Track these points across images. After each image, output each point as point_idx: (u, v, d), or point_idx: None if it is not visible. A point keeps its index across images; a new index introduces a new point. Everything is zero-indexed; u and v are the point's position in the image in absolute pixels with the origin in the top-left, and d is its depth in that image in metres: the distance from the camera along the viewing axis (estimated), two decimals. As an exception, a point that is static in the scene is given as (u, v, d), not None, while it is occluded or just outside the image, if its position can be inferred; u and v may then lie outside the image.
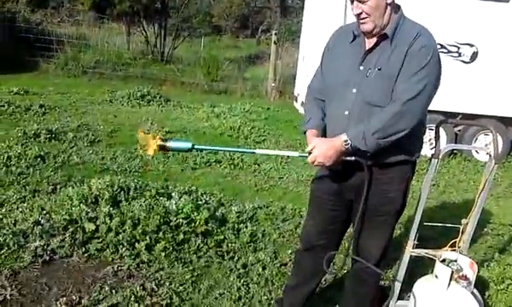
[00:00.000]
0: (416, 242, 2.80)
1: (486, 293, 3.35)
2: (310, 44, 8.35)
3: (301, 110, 8.24)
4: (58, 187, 4.57)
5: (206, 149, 3.02)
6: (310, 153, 2.32)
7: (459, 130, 7.48)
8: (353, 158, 2.30)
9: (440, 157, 2.68)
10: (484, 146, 7.25)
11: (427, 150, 7.34)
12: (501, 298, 3.35)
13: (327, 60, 2.58)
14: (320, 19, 7.72)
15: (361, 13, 2.27)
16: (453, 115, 7.26)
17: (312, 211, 2.76)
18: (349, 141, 2.26)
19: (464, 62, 7.00)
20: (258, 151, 2.74)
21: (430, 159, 2.69)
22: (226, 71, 12.81)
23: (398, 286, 2.90)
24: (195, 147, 2.44)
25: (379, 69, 2.28)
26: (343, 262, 2.77)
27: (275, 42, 11.63)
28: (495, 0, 6.81)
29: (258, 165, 6.04)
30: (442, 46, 6.82)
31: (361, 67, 2.34)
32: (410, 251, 2.82)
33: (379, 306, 2.76)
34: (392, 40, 2.28)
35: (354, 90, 2.34)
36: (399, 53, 2.24)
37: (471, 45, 6.94)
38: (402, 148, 2.37)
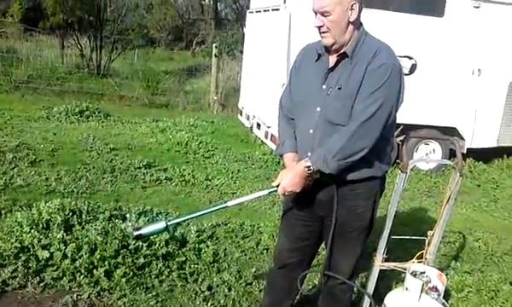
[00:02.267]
0: (384, 256, 2.85)
1: (448, 302, 3.46)
2: (253, 61, 8.39)
3: (247, 123, 8.25)
4: (3, 212, 4.30)
5: (181, 221, 2.99)
6: (278, 185, 2.37)
7: (401, 141, 7.75)
8: (319, 175, 2.34)
9: (408, 171, 2.74)
10: (425, 155, 7.55)
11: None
12: (462, 305, 3.47)
13: (294, 78, 2.60)
14: (263, 36, 7.77)
15: (322, 26, 2.31)
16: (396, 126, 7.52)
17: (284, 228, 2.76)
18: (311, 167, 2.30)
19: (404, 74, 7.26)
20: (229, 203, 2.68)
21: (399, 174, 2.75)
22: (166, 84, 12.61)
23: (367, 300, 2.93)
24: (169, 223, 2.49)
25: (339, 88, 2.31)
26: (320, 279, 2.77)
27: (215, 54, 11.59)
28: (430, 15, 7.13)
29: (210, 181, 5.98)
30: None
31: (323, 86, 2.37)
32: (379, 264, 2.87)
33: None
34: (352, 58, 2.31)
35: (318, 109, 2.37)
36: (359, 71, 2.27)
37: (410, 58, 7.22)
38: (367, 165, 2.40)
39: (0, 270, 3.31)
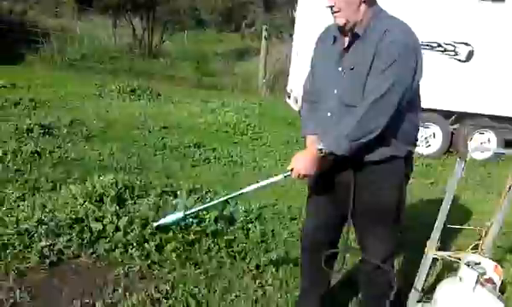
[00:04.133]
0: (437, 244, 2.77)
1: (504, 296, 3.34)
2: (303, 40, 8.30)
3: (295, 106, 8.20)
4: (58, 184, 4.44)
5: (196, 211, 2.99)
6: (292, 169, 2.35)
7: (454, 129, 7.52)
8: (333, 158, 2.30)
9: (467, 158, 2.64)
10: (480, 144, 7.31)
11: (422, 148, 7.40)
12: (518, 299, 3.35)
13: (315, 60, 2.59)
14: (313, 13, 7.66)
15: (333, 6, 2.26)
16: (449, 114, 7.31)
17: (310, 210, 2.76)
18: (323, 149, 2.26)
19: (460, 61, 7.03)
20: (244, 190, 2.66)
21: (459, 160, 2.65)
22: (216, 65, 12.69)
23: (418, 288, 2.87)
24: (187, 213, 2.57)
25: (351, 69, 2.27)
26: (342, 259, 2.75)
27: (265, 37, 11.54)
28: (491, 0, 6.84)
29: (257, 162, 5.99)
30: (439, 44, 6.85)
31: (339, 68, 2.34)
32: (432, 253, 2.79)
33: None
34: (364, 38, 2.26)
35: (335, 91, 2.34)
36: (370, 50, 2.21)
37: (467, 44, 6.97)
38: (386, 145, 2.33)
39: (56, 239, 3.42)
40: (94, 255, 3.37)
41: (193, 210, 2.79)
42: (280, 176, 2.49)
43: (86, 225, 3.56)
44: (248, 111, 8.73)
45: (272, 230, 4.00)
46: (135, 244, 3.44)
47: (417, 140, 2.54)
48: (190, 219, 3.04)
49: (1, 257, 3.17)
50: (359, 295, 2.87)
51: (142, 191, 4.08)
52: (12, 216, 3.71)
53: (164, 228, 3.44)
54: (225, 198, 2.93)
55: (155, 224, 2.56)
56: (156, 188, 4.15)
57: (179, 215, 2.52)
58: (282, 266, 3.48)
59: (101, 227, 3.53)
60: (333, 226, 2.66)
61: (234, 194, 2.69)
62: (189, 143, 6.33)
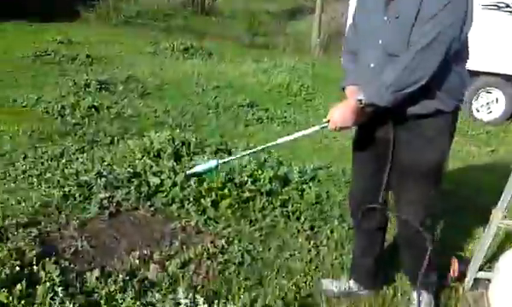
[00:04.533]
0: (505, 213, 2.66)
1: None
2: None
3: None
4: (115, 139, 4.53)
5: (230, 159, 2.89)
6: (329, 121, 2.24)
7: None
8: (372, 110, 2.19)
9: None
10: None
11: (483, 114, 7.10)
12: None
13: (359, 9, 2.45)
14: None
15: None
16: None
17: (354, 170, 2.69)
18: (363, 100, 2.15)
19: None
20: (280, 140, 2.56)
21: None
22: (268, 24, 12.52)
23: (480, 256, 2.78)
24: (220, 162, 2.47)
25: (396, 17, 2.13)
26: (378, 216, 2.62)
27: (320, -5, 11.25)
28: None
29: (311, 124, 5.90)
30: (507, 5, 6.46)
31: (385, 17, 2.20)
32: (498, 221, 2.68)
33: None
34: None
35: (380, 42, 2.21)
36: None
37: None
38: (431, 98, 2.20)
39: (114, 192, 3.51)
40: (151, 208, 3.43)
41: (227, 159, 2.71)
42: (316, 128, 2.37)
43: (144, 179, 3.63)
44: (301, 71, 8.60)
45: (327, 192, 3.95)
46: (191, 199, 3.48)
47: (464, 96, 2.37)
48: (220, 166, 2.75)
49: (62, 208, 3.28)
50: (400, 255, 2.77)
51: (198, 148, 4.11)
52: (72, 168, 3.83)
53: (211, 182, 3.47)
54: (262, 147, 2.82)
55: (187, 172, 2.48)
56: (211, 146, 4.17)
57: (212, 163, 2.41)
58: (336, 228, 3.45)
59: (158, 181, 3.59)
60: (378, 185, 2.52)
61: (270, 144, 2.60)
62: (242, 103, 6.31)
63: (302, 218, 3.52)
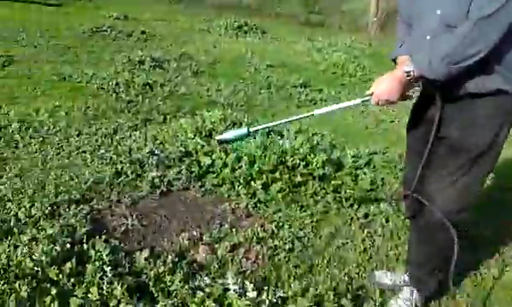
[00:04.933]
0: None
1: None
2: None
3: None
4: (168, 117, 4.52)
5: (263, 128, 2.73)
6: (372, 94, 2.06)
7: None
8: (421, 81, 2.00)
9: None
10: None
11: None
12: None
13: None
14: None
15: None
16: None
17: (407, 154, 2.51)
18: (411, 72, 1.95)
19: None
20: (316, 111, 2.37)
21: None
22: (323, 1, 12.23)
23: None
24: (251, 129, 2.32)
25: None
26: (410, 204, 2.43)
27: (379, -28, 10.84)
28: None
29: (367, 107, 5.71)
30: None
31: None
32: None
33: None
34: None
35: (438, 12, 1.97)
36: None
37: None
38: (490, 73, 1.96)
39: (166, 171, 3.49)
40: (202, 189, 3.40)
41: (257, 127, 2.57)
42: (357, 101, 2.18)
43: (195, 159, 3.60)
44: (357, 51, 8.33)
45: (382, 179, 3.80)
46: (242, 181, 3.42)
47: None
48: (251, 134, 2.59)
49: (114, 185, 3.29)
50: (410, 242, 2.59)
51: (250, 129, 4.01)
52: (125, 145, 3.85)
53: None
54: (296, 118, 2.67)
55: (217, 138, 2.38)
56: (263, 127, 4.06)
57: (243, 131, 2.30)
58: (391, 217, 3.30)
59: (209, 161, 3.54)
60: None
61: (303, 115, 2.44)
62: (295, 83, 6.17)
63: (356, 205, 3.40)
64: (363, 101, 2.16)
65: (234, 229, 2.98)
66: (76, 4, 9.67)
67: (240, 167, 3.49)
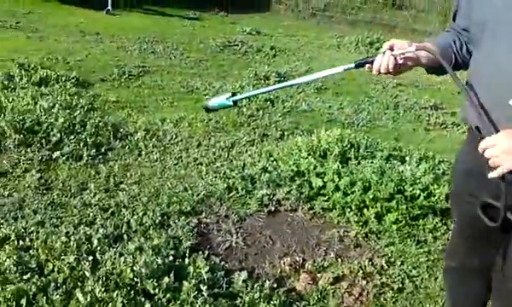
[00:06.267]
0: None
1: None
2: None
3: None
4: (286, 133, 4.46)
5: (245, 96, 2.47)
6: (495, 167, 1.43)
7: None
8: None
9: None
10: None
11: None
12: None
13: None
14: None
15: None
16: None
17: (458, 217, 1.92)
18: None
19: None
20: (304, 78, 1.97)
21: None
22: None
23: None
24: (234, 99, 2.06)
25: None
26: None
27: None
28: None
29: None
30: None
31: None
32: None
33: None
34: None
35: None
36: None
37: None
38: None
39: (276, 190, 3.42)
40: (311, 211, 3.29)
41: (241, 96, 2.29)
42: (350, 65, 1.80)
43: (307, 179, 3.48)
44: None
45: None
46: (353, 207, 3.23)
47: None
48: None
49: (224, 200, 3.29)
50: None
51: (368, 152, 3.81)
52: (239, 160, 3.86)
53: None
54: (282, 85, 2.54)
55: (203, 105, 2.21)
56: (383, 151, 3.83)
57: (228, 102, 2.07)
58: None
59: (321, 183, 3.41)
60: (493, 244, 1.80)
61: (294, 82, 2.14)
62: (426, 104, 5.79)
63: (481, 247, 3.02)
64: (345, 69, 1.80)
65: (339, 259, 2.82)
66: (212, 19, 10.08)
67: (353, 192, 3.30)
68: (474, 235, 1.82)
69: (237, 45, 7.84)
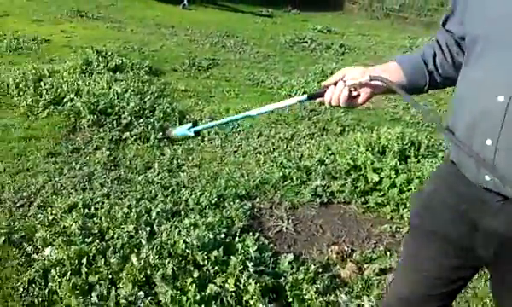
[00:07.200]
0: None
1: None
2: None
3: None
4: (346, 129, 4.48)
5: (205, 127, 2.39)
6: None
7: None
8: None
9: None
10: None
11: None
12: None
13: None
14: None
15: None
16: None
17: (412, 257, 1.56)
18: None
19: None
20: (251, 112, 1.84)
21: None
22: None
23: None
24: (194, 129, 1.90)
25: None
26: None
27: None
28: None
29: None
30: None
31: None
32: None
33: None
34: None
35: None
36: None
37: None
38: None
39: (331, 182, 3.46)
40: (364, 205, 3.30)
41: (201, 126, 2.17)
42: (293, 100, 1.64)
43: (363, 174, 3.49)
44: None
45: None
46: (408, 204, 3.21)
47: None
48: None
49: (279, 188, 3.38)
50: None
51: (429, 151, 3.76)
52: (297, 151, 3.93)
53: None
54: (234, 118, 2.43)
55: (166, 134, 2.14)
56: (444, 151, 3.76)
57: (189, 133, 1.91)
58: None
59: (377, 179, 3.40)
60: (449, 292, 1.51)
61: (241, 115, 1.99)
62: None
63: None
64: (299, 101, 1.65)
65: (388, 253, 2.82)
66: (284, 16, 10.20)
67: (409, 190, 3.28)
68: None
69: (306, 42, 7.90)
